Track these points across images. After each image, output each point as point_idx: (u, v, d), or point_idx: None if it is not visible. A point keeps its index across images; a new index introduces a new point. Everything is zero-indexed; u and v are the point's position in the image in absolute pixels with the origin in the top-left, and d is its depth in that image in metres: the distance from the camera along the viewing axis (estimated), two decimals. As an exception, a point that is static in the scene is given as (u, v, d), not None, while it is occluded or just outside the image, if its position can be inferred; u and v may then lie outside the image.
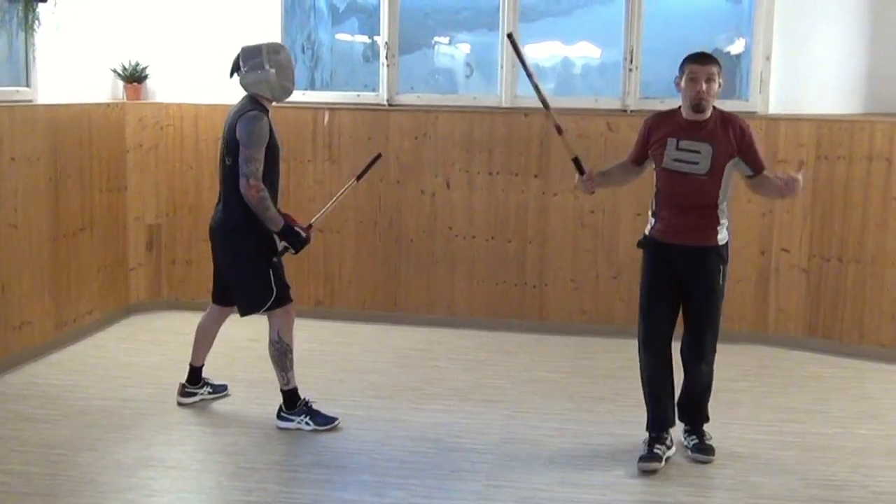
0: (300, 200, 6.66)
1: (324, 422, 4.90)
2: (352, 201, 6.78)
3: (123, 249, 6.86)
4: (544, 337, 6.62)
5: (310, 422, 4.89)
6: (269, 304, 4.82)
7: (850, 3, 6.41)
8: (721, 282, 4.49)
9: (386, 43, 6.83)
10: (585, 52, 7.50)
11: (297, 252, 4.89)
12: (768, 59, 6.46)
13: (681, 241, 4.48)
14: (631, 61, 6.60)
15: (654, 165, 4.60)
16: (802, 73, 6.44)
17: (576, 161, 4.70)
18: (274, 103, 4.87)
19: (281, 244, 4.84)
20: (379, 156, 5.61)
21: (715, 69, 4.42)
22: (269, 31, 6.90)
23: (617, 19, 6.66)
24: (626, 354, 6.25)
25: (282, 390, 4.93)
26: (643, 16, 6.58)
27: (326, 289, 6.98)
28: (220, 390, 5.34)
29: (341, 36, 7.75)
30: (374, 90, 6.96)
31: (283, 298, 4.86)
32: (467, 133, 6.72)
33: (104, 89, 6.86)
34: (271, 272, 4.82)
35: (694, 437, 4.67)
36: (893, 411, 5.34)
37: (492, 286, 6.83)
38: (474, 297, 6.86)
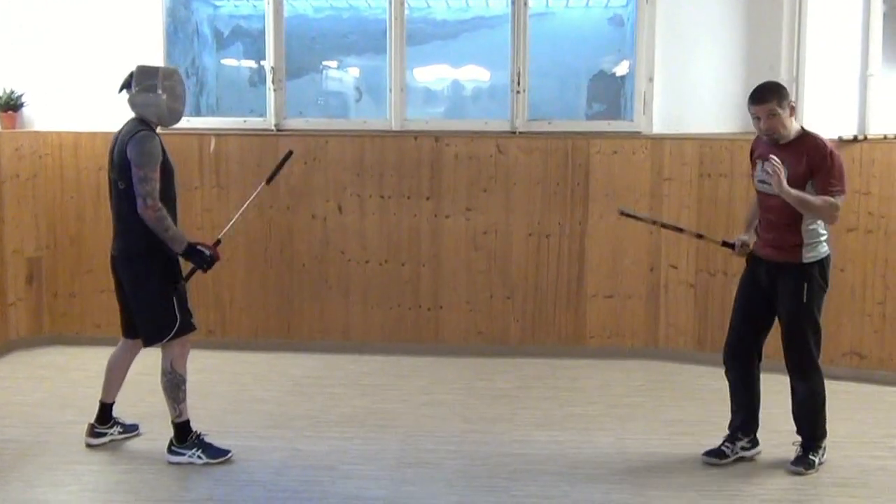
0: (189, 228, 6.43)
1: (216, 454, 4.77)
2: (241, 227, 6.65)
3: (1, 284, 6.58)
4: (440, 359, 6.61)
5: (202, 455, 4.75)
6: (173, 333, 4.68)
7: (726, 27, 6.61)
8: (805, 299, 4.56)
9: (272, 67, 6.75)
10: (475, 76, 7.57)
11: (205, 271, 4.78)
12: (651, 80, 6.61)
13: (766, 255, 4.67)
14: (518, 84, 6.67)
15: None
16: (684, 93, 6.61)
17: (724, 244, 5.02)
18: (160, 128, 4.75)
19: (189, 266, 4.72)
20: (290, 153, 5.44)
21: (773, 104, 4.49)
22: (151, 56, 6.76)
23: (504, 42, 6.74)
24: (521, 373, 6.32)
25: (173, 423, 4.78)
26: (529, 39, 6.67)
27: (217, 317, 6.83)
28: (131, 430, 5.11)
29: (227, 60, 7.64)
30: (261, 115, 6.87)
31: (187, 326, 4.73)
32: (358, 157, 6.68)
33: (-23, 118, 6.61)
34: (175, 299, 4.68)
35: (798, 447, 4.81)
36: (781, 420, 5.45)
37: (386, 310, 6.79)
38: (369, 322, 6.81)
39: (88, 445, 4.96)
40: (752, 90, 4.62)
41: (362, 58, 7.56)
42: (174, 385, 4.74)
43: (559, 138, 6.62)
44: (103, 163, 6.63)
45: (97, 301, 6.78)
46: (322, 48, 7.48)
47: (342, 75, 7.75)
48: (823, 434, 4.80)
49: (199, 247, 4.71)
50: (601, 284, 6.64)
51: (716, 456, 4.82)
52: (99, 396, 5.02)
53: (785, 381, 6.18)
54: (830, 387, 6.08)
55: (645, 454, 4.93)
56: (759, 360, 4.88)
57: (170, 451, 4.78)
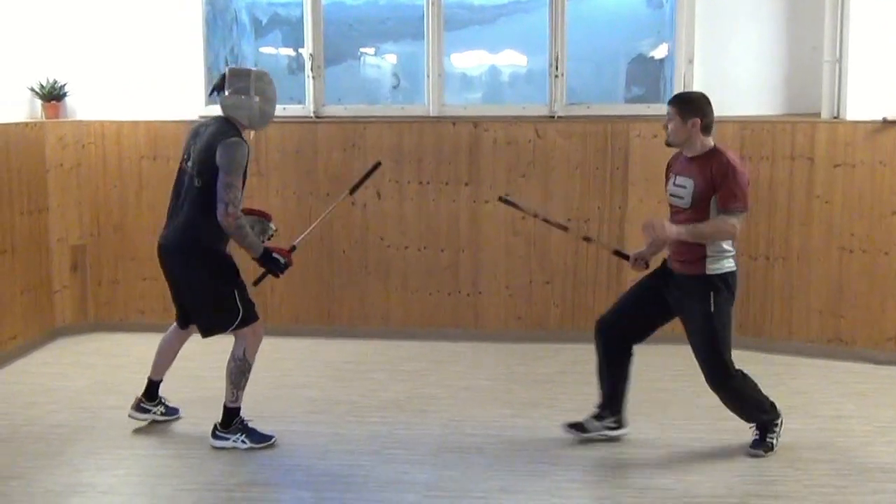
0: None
1: (260, 440, 4.82)
2: (280, 215, 6.70)
3: (47, 272, 6.69)
4: (480, 344, 6.62)
5: (245, 440, 4.81)
6: (235, 325, 4.73)
7: (767, 7, 6.54)
8: (712, 308, 4.53)
9: (311, 55, 6.78)
10: (512, 60, 7.53)
11: (278, 277, 4.85)
12: (691, 62, 6.55)
13: (675, 269, 4.67)
14: (556, 68, 6.64)
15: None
16: (725, 75, 6.54)
17: (616, 253, 5.10)
18: (249, 131, 4.78)
19: (260, 271, 4.80)
20: (378, 164, 5.46)
21: (673, 110, 4.59)
22: (191, 45, 6.83)
23: (541, 27, 6.71)
24: (561, 358, 6.31)
25: (226, 406, 4.82)
26: (567, 23, 6.63)
27: (258, 304, 6.79)
28: (172, 413, 5.19)
29: (265, 49, 7.66)
30: (300, 102, 6.90)
31: (250, 317, 4.78)
32: (396, 143, 6.69)
33: (22, 108, 6.70)
34: (236, 292, 4.73)
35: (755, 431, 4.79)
36: (824, 405, 5.43)
37: (426, 296, 6.80)
38: (409, 308, 6.83)
39: (130, 416, 5.05)
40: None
41: (400, 44, 7.54)
42: (241, 371, 4.78)
43: (598, 122, 6.59)
44: (146, 152, 6.79)
45: (140, 288, 6.86)
46: (360, 35, 7.47)
47: (379, 62, 7.75)
48: (772, 416, 4.75)
49: (274, 254, 4.75)
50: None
51: (576, 429, 4.85)
52: (148, 375, 5.11)
53: (815, 363, 6.18)
54: (875, 372, 6.07)
55: (686, 440, 4.91)
56: (630, 355, 4.84)
57: (214, 435, 4.84)
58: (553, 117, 6.66)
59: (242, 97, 4.67)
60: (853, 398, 5.53)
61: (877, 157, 6.03)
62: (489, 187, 6.63)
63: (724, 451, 4.76)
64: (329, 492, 4.33)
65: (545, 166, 6.62)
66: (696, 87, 6.53)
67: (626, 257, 5.00)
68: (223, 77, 4.72)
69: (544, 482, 4.42)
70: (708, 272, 4.54)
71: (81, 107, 6.88)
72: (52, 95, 6.74)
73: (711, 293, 4.52)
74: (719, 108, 6.45)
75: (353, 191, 5.37)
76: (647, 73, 7.26)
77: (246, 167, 4.63)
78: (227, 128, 4.64)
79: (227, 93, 4.68)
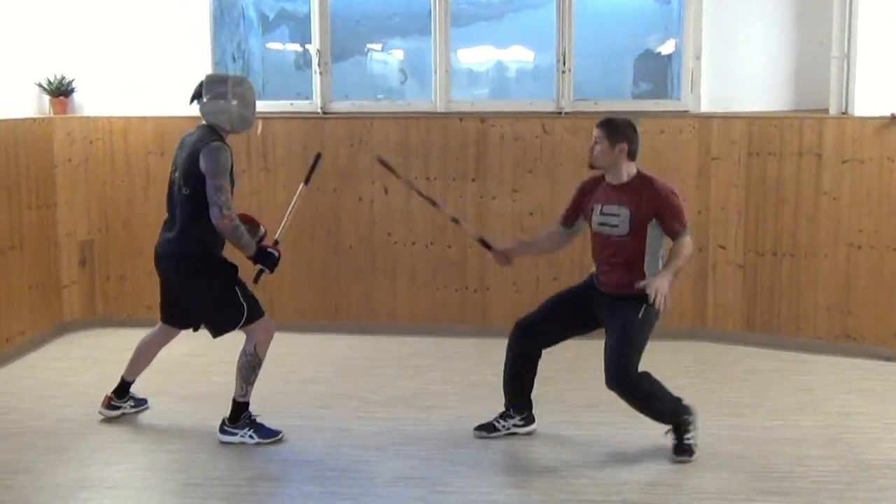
0: (238, 211, 6.55)
1: (268, 434, 4.83)
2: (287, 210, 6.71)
3: (55, 267, 6.70)
4: (487, 341, 6.58)
5: (253, 435, 4.82)
6: (242, 321, 4.76)
7: (775, 3, 6.52)
8: (641, 315, 4.50)
9: (318, 50, 6.78)
10: (519, 56, 7.53)
11: (272, 271, 4.87)
12: (698, 58, 6.54)
13: (609, 290, 4.63)
14: (564, 63, 6.64)
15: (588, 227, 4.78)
16: (732, 71, 6.53)
17: (481, 241, 5.04)
18: (231, 134, 4.82)
19: (256, 267, 4.83)
20: (319, 155, 5.46)
21: (603, 133, 4.58)
22: (198, 41, 6.83)
23: (548, 22, 6.70)
24: (568, 354, 6.28)
25: (235, 400, 4.84)
26: (574, 18, 6.62)
27: (265, 299, 6.75)
28: (140, 404, 5.26)
29: (272, 44, 7.67)
30: (307, 98, 6.90)
31: (256, 312, 4.81)
32: (403, 139, 6.69)
33: (30, 104, 6.71)
34: (237, 289, 4.77)
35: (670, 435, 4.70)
36: (832, 402, 5.42)
37: (433, 292, 6.81)
38: (416, 304, 6.83)
39: (101, 414, 5.11)
40: None
41: (407, 40, 7.55)
42: (251, 367, 4.81)
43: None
44: (153, 147, 6.80)
45: (148, 283, 6.80)
46: (367, 30, 7.47)
47: (386, 57, 7.75)
48: (681, 413, 4.64)
49: (267, 249, 4.80)
50: (648, 265, 6.58)
51: (486, 430, 4.87)
52: (122, 374, 5.16)
53: (824, 360, 6.15)
54: (883, 368, 6.06)
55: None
56: (539, 357, 4.83)
57: (222, 430, 4.85)
58: (560, 113, 6.65)
59: (221, 102, 4.71)
60: (861, 395, 5.52)
61: (885, 153, 6.01)
62: (496, 183, 6.63)
63: (733, 447, 4.76)
64: (336, 487, 4.34)
65: (552, 162, 6.61)
66: (704, 83, 6.54)
67: (490, 248, 4.97)
68: (201, 84, 4.77)
69: (552, 477, 4.42)
70: (647, 291, 4.41)
71: (89, 102, 6.89)
72: (60, 91, 6.76)
73: (644, 305, 4.46)
74: (727, 104, 6.52)
75: (307, 182, 5.36)
76: (654, 69, 7.25)
77: (232, 170, 4.69)
78: (208, 134, 4.70)
79: (205, 99, 4.73)
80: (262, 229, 4.97)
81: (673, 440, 4.65)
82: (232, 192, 4.71)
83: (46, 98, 6.78)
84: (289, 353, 6.35)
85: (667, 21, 7.11)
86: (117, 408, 5.15)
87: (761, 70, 6.54)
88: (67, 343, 6.62)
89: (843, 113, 6.19)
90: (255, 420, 4.86)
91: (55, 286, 6.71)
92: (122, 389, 5.17)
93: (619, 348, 4.51)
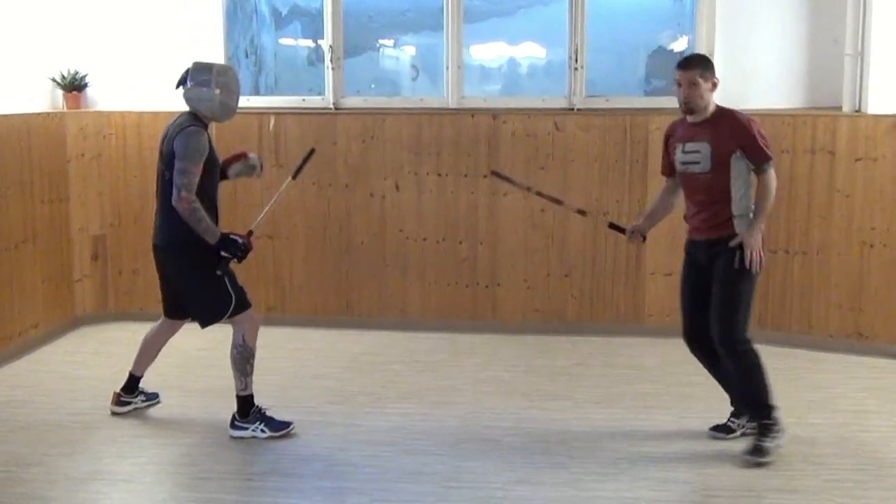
0: (249, 206, 6.57)
1: (278, 427, 4.85)
2: (300, 206, 6.74)
3: (68, 261, 6.73)
4: (498, 337, 6.62)
5: (265, 429, 4.83)
6: (229, 312, 4.77)
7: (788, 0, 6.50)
8: (738, 266, 4.49)
9: (330, 46, 6.78)
10: (531, 52, 7.52)
11: (240, 261, 4.84)
12: (711, 55, 6.51)
13: (701, 236, 4.65)
14: (576, 60, 6.63)
15: None
16: (745, 68, 6.50)
17: (612, 226, 5.07)
18: (214, 122, 4.85)
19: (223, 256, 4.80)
20: (312, 150, 5.45)
21: (696, 73, 4.51)
22: (211, 36, 6.84)
23: (561, 19, 6.69)
24: (579, 351, 6.31)
25: (238, 395, 4.86)
26: (586, 15, 6.61)
27: (277, 295, 6.92)
28: (152, 398, 5.28)
29: (285, 40, 7.69)
30: (319, 94, 6.91)
31: (243, 303, 4.81)
32: (415, 135, 6.70)
33: (43, 99, 6.73)
34: (226, 279, 4.77)
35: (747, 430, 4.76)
36: (843, 400, 5.41)
37: (444, 288, 6.81)
38: (427, 300, 6.84)
39: (113, 413, 5.13)
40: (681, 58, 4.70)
41: (419, 35, 7.55)
42: (244, 358, 4.82)
43: (617, 115, 6.57)
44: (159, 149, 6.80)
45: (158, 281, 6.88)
46: (379, 26, 7.48)
47: (398, 53, 7.76)
48: (772, 411, 4.60)
49: (232, 236, 4.78)
50: (659, 262, 6.58)
51: (723, 431, 4.82)
52: (130, 370, 5.18)
53: (836, 358, 6.13)
54: None
55: (705, 433, 4.88)
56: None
57: (233, 425, 4.86)
58: (572, 109, 6.64)
59: (203, 90, 4.74)
60: (874, 393, 5.50)
61: (898, 151, 5.99)
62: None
63: (744, 445, 4.74)
64: (348, 482, 4.35)
65: (564, 159, 6.61)
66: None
67: (623, 230, 4.98)
68: (187, 71, 4.80)
69: (563, 474, 4.42)
70: (738, 231, 4.51)
71: (102, 97, 6.91)
72: (74, 86, 6.78)
73: (739, 251, 4.48)
74: (739, 101, 6.46)
75: (295, 176, 5.36)
76: (666, 66, 7.21)
77: (211, 157, 4.70)
78: (188, 120, 4.74)
79: (189, 85, 4.76)
80: (252, 156, 5.07)
81: (753, 439, 4.61)
82: (217, 179, 4.78)
83: (60, 93, 6.81)
84: (300, 348, 6.38)
85: (679, 17, 7.10)
86: (127, 403, 5.17)
87: (774, 67, 6.52)
88: (80, 337, 6.65)
89: (857, 111, 6.16)
90: (265, 413, 4.88)
91: (68, 280, 6.74)
92: (131, 385, 5.18)
93: (722, 312, 4.54)
